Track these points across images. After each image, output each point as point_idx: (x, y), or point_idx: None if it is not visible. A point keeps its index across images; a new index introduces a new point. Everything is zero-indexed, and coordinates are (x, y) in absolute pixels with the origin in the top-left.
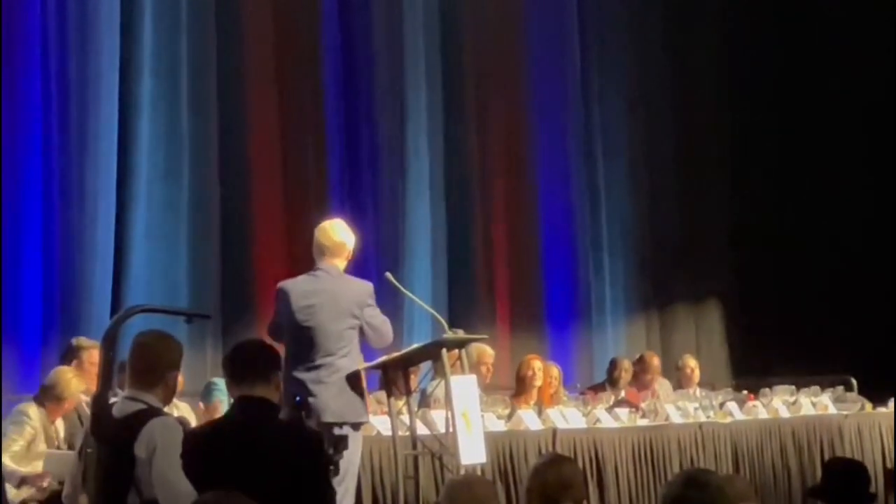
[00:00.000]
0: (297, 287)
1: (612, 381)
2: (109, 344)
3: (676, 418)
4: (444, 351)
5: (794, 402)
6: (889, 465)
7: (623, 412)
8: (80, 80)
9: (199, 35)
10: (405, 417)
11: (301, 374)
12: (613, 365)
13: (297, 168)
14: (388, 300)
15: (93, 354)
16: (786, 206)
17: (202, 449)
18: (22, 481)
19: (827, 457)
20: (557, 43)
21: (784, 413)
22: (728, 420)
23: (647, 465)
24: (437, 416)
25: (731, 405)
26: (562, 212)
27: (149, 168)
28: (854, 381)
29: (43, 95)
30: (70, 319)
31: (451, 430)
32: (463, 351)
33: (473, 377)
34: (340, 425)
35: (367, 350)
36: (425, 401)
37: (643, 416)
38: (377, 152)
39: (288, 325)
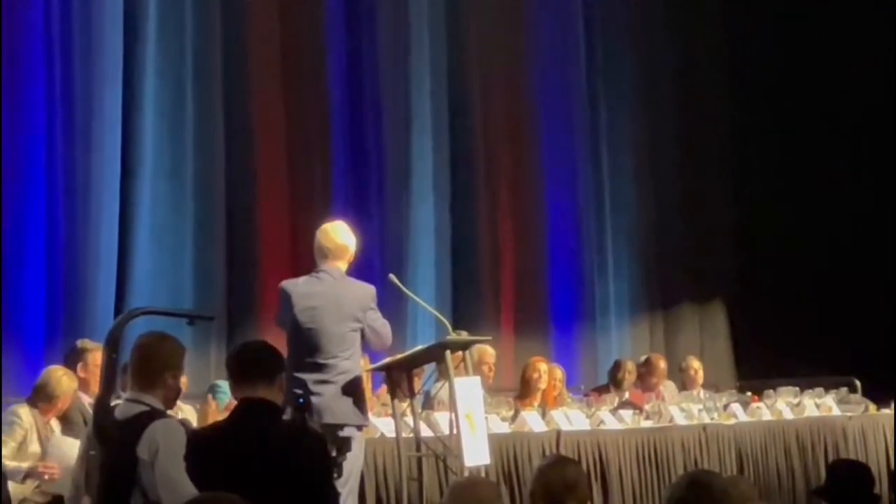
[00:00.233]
0: (300, 288)
1: (615, 382)
2: (112, 346)
3: (680, 420)
4: (447, 353)
5: (798, 404)
6: (892, 466)
7: (627, 414)
8: (84, 79)
9: (203, 35)
10: (409, 419)
11: (303, 376)
12: (617, 367)
13: (302, 169)
14: (392, 302)
15: (97, 356)
16: (789, 207)
17: (205, 451)
18: (27, 475)
19: (831, 458)
20: (562, 47)
21: (788, 415)
22: (732, 422)
23: (651, 466)
24: (441, 417)
25: (735, 407)
26: (566, 214)
27: (153, 169)
28: (858, 383)
29: (47, 95)
30: (74, 321)
31: (454, 431)
32: (467, 353)
33: (477, 379)
34: (343, 427)
35: (371, 352)
36: (429, 402)
37: (647, 418)
38: (382, 154)
39: (290, 326)
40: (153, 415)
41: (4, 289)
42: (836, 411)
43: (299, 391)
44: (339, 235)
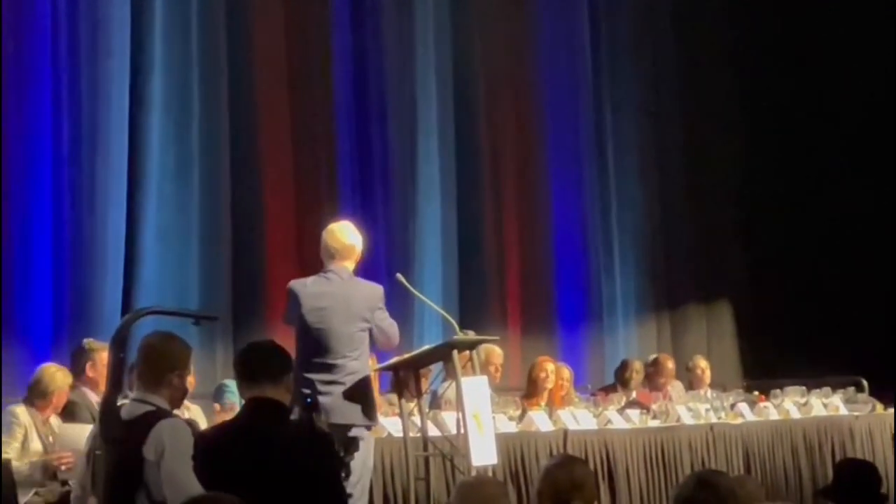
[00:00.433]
0: (308, 289)
1: (622, 382)
2: (118, 346)
3: (687, 419)
4: (455, 352)
5: (805, 404)
6: None
7: (634, 413)
8: (90, 80)
9: (209, 35)
10: (416, 419)
11: (312, 376)
12: (624, 366)
13: (308, 169)
14: (399, 302)
15: (106, 356)
16: (796, 207)
17: (213, 451)
18: (43, 468)
19: (838, 458)
20: (568, 48)
21: (795, 414)
22: (739, 421)
23: (659, 466)
24: (448, 417)
25: (742, 406)
26: (573, 214)
27: (159, 169)
28: (865, 383)
29: (53, 95)
30: (80, 321)
31: (461, 431)
32: (474, 352)
33: (485, 378)
34: (351, 427)
35: (377, 351)
36: (436, 402)
37: (654, 418)
38: (388, 154)
39: (298, 326)
40: (159, 415)
41: (12, 288)
42: (843, 411)
43: (307, 391)
44: (346, 235)
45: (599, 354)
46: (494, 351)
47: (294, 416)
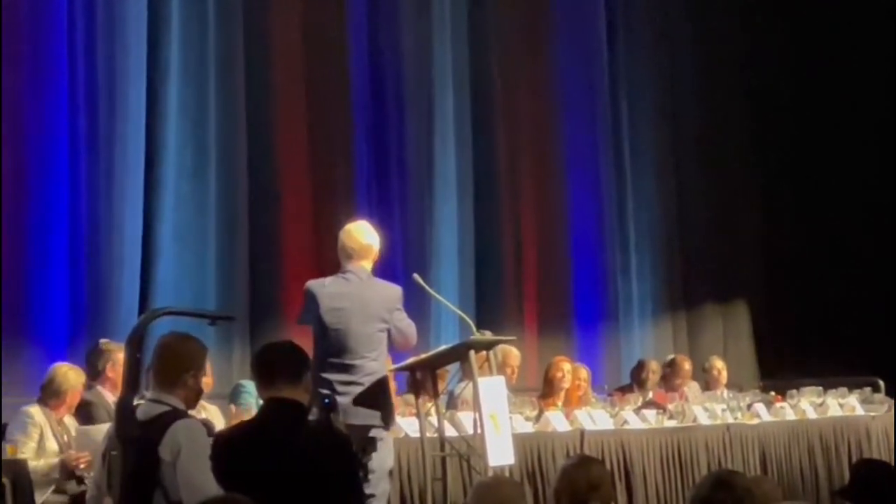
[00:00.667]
0: (327, 289)
1: (639, 382)
2: (135, 346)
3: (704, 420)
4: (471, 353)
5: (822, 404)
6: None
7: (651, 414)
8: (107, 80)
9: (226, 35)
10: (433, 419)
11: (330, 376)
12: (640, 367)
13: (324, 168)
14: (416, 302)
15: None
16: (813, 207)
17: (232, 451)
18: (61, 467)
19: (854, 458)
20: (585, 44)
21: (811, 414)
22: (755, 421)
23: (675, 466)
24: (465, 417)
25: (759, 407)
26: (590, 213)
27: (176, 168)
28: (881, 383)
29: (70, 95)
30: (97, 321)
31: (478, 431)
32: (491, 352)
33: (502, 378)
34: (370, 428)
35: (393, 352)
36: (453, 402)
37: (671, 418)
38: (404, 153)
39: (317, 326)
40: (175, 415)
41: (28, 288)
42: (859, 411)
43: (326, 391)
44: (363, 235)
45: (616, 354)
46: (511, 352)
47: (312, 416)
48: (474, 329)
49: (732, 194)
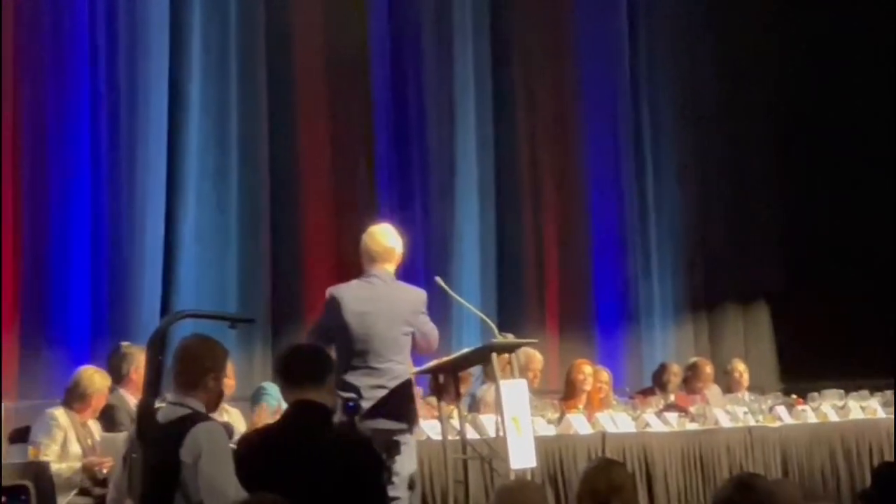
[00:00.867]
0: (351, 293)
1: (660, 385)
2: (155, 349)
3: (725, 422)
4: (493, 355)
5: (843, 407)
6: None
7: (672, 416)
8: (129, 81)
9: (248, 36)
10: (455, 421)
11: (355, 380)
12: (662, 369)
13: (346, 171)
14: (438, 304)
15: None
16: (834, 209)
17: (257, 453)
18: (83, 470)
19: (876, 462)
20: (606, 49)
21: (833, 417)
22: (777, 424)
23: (697, 469)
24: (487, 420)
25: (780, 409)
26: (610, 216)
27: (198, 170)
28: None
29: (92, 97)
30: (119, 322)
31: (500, 434)
32: (513, 355)
33: (524, 381)
34: (395, 431)
35: (415, 355)
36: (475, 405)
37: (692, 421)
38: (426, 155)
39: (341, 331)
40: (195, 418)
41: (50, 290)
42: (881, 414)
43: (351, 395)
44: (386, 238)
45: (637, 357)
46: (535, 356)
47: (337, 418)
48: (496, 332)
49: (753, 197)
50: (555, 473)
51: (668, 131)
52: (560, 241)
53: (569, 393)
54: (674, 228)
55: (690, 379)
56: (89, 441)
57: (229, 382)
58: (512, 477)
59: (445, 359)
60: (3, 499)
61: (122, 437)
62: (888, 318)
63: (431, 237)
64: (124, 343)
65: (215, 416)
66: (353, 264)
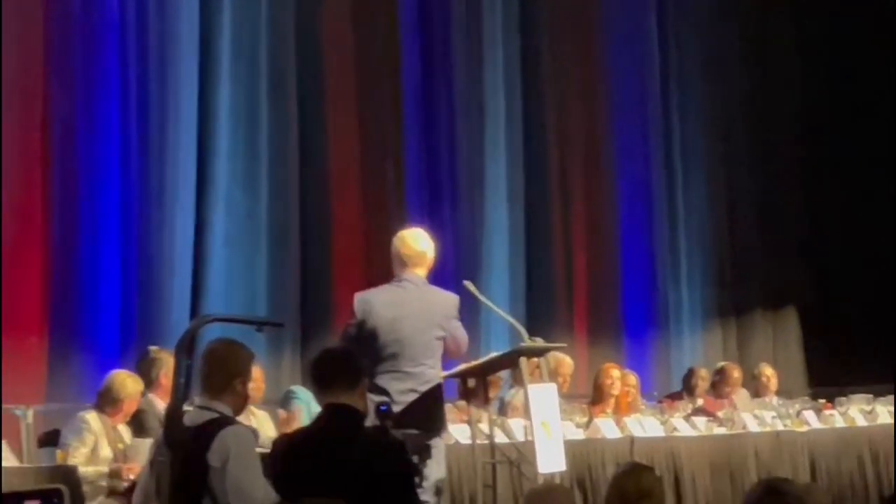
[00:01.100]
0: (382, 298)
1: (688, 389)
2: (183, 353)
3: (753, 427)
4: (522, 359)
5: (871, 411)
6: None
7: (700, 421)
8: (159, 86)
9: (278, 43)
10: (483, 426)
11: (386, 384)
12: (690, 374)
13: (375, 175)
14: (467, 308)
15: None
16: (863, 213)
17: (290, 456)
18: (110, 475)
19: None
20: (636, 53)
21: (861, 422)
22: (805, 429)
23: (725, 473)
24: (516, 424)
25: (808, 414)
26: (639, 220)
27: (228, 175)
28: None
29: (122, 103)
30: (148, 327)
31: (529, 438)
32: (542, 359)
33: (553, 385)
34: (426, 435)
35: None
36: (504, 409)
37: (720, 425)
38: (455, 158)
39: (371, 335)
40: (223, 421)
41: (80, 295)
42: None
43: (383, 398)
44: (418, 242)
45: (665, 362)
46: (564, 361)
47: (368, 422)
48: (525, 336)
49: (782, 202)
50: (583, 478)
51: (698, 136)
52: (589, 246)
53: (597, 397)
54: (703, 233)
55: (718, 383)
56: (120, 445)
57: (258, 386)
58: (540, 481)
59: (474, 363)
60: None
61: (149, 443)
62: None
63: (460, 241)
64: (153, 347)
65: (243, 419)
66: (382, 269)
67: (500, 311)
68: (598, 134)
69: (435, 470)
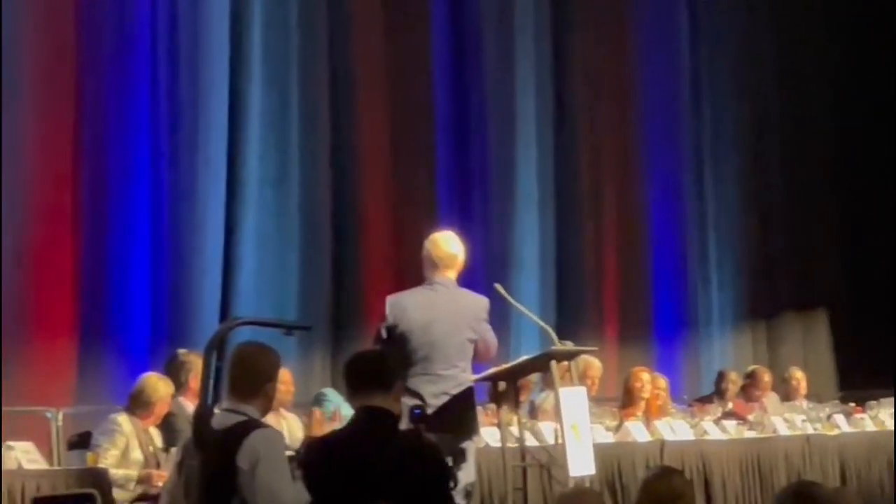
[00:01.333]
0: (415, 300)
1: (719, 392)
2: (212, 355)
3: (783, 430)
4: (553, 363)
5: None
6: None
7: (731, 424)
8: (190, 87)
9: (309, 42)
10: (514, 429)
11: (420, 387)
12: (721, 377)
13: (406, 177)
14: (497, 312)
15: None
16: (892, 217)
17: (323, 459)
18: (140, 480)
19: None
20: (668, 53)
21: (891, 425)
22: (835, 432)
23: (755, 477)
24: (546, 427)
25: (839, 417)
26: (669, 224)
27: (259, 176)
28: None
29: (152, 103)
30: (178, 329)
31: (559, 441)
32: (572, 363)
33: (583, 389)
34: (460, 438)
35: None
36: (534, 412)
37: (751, 429)
38: (486, 161)
39: (404, 338)
40: (252, 424)
41: (110, 297)
42: None
43: (416, 401)
44: (450, 245)
45: (695, 365)
46: (593, 364)
47: (402, 425)
48: (556, 339)
49: (813, 204)
50: (613, 481)
51: (729, 138)
52: (619, 248)
53: (627, 400)
54: (733, 237)
55: (748, 387)
56: (151, 448)
57: (288, 389)
58: (571, 484)
59: (505, 366)
60: None
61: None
62: None
63: (491, 244)
64: (181, 350)
65: (273, 422)
66: (413, 271)
67: (531, 314)
68: (629, 137)
69: (465, 473)
